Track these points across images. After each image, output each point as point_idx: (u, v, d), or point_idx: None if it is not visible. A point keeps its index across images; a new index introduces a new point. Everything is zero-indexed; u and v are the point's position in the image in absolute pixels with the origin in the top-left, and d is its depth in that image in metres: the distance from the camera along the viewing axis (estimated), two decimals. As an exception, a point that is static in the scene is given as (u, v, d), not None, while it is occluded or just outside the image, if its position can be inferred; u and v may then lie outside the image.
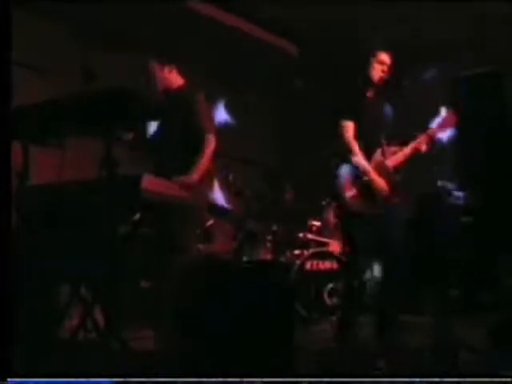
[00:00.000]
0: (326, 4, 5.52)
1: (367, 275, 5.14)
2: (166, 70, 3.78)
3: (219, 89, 6.65)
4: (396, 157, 3.73)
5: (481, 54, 6.20)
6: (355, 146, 3.69)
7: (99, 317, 3.00)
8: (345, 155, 3.72)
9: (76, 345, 2.92)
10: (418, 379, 2.27)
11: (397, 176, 3.73)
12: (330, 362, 3.38)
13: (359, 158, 3.68)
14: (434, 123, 3.70)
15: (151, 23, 5.58)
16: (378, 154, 3.72)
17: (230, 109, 6.62)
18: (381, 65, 3.74)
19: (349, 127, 3.72)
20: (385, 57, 3.75)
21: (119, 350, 2.78)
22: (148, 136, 3.77)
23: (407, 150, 3.72)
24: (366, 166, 3.67)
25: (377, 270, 3.73)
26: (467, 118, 3.95)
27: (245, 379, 2.28)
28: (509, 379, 2.22)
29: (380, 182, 3.65)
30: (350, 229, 3.80)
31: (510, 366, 2.82)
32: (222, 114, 5.42)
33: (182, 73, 3.86)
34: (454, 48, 6.18)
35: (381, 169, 3.69)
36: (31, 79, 3.61)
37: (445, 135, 3.72)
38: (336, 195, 3.86)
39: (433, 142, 3.69)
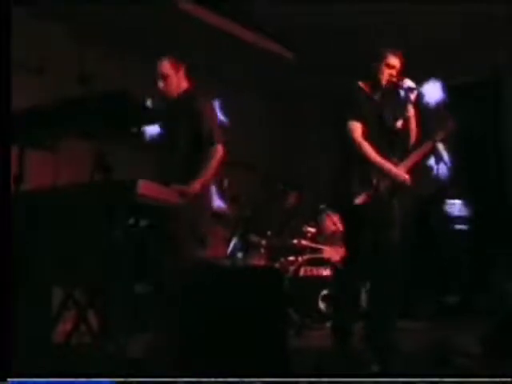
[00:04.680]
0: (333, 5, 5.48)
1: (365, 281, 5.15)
2: (178, 69, 3.69)
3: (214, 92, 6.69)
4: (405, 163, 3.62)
5: (479, 61, 6.21)
6: (366, 146, 3.51)
7: (94, 320, 3.00)
8: (355, 157, 3.53)
9: (76, 346, 2.91)
10: (418, 379, 2.28)
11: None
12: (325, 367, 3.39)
13: (376, 158, 3.50)
14: (437, 133, 3.63)
15: (148, 24, 5.56)
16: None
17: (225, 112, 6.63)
18: (389, 68, 3.62)
19: (357, 128, 3.53)
20: (394, 60, 3.62)
21: (117, 352, 2.77)
22: (148, 140, 3.71)
23: (413, 158, 3.63)
24: (385, 164, 3.50)
25: (375, 275, 3.65)
26: (463, 125, 3.92)
27: (245, 379, 2.28)
28: (509, 379, 2.23)
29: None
30: (355, 237, 3.63)
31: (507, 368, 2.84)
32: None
33: (188, 75, 3.75)
34: (455, 54, 6.17)
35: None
36: (27, 81, 3.58)
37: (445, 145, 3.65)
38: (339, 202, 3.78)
39: (435, 152, 3.62)
